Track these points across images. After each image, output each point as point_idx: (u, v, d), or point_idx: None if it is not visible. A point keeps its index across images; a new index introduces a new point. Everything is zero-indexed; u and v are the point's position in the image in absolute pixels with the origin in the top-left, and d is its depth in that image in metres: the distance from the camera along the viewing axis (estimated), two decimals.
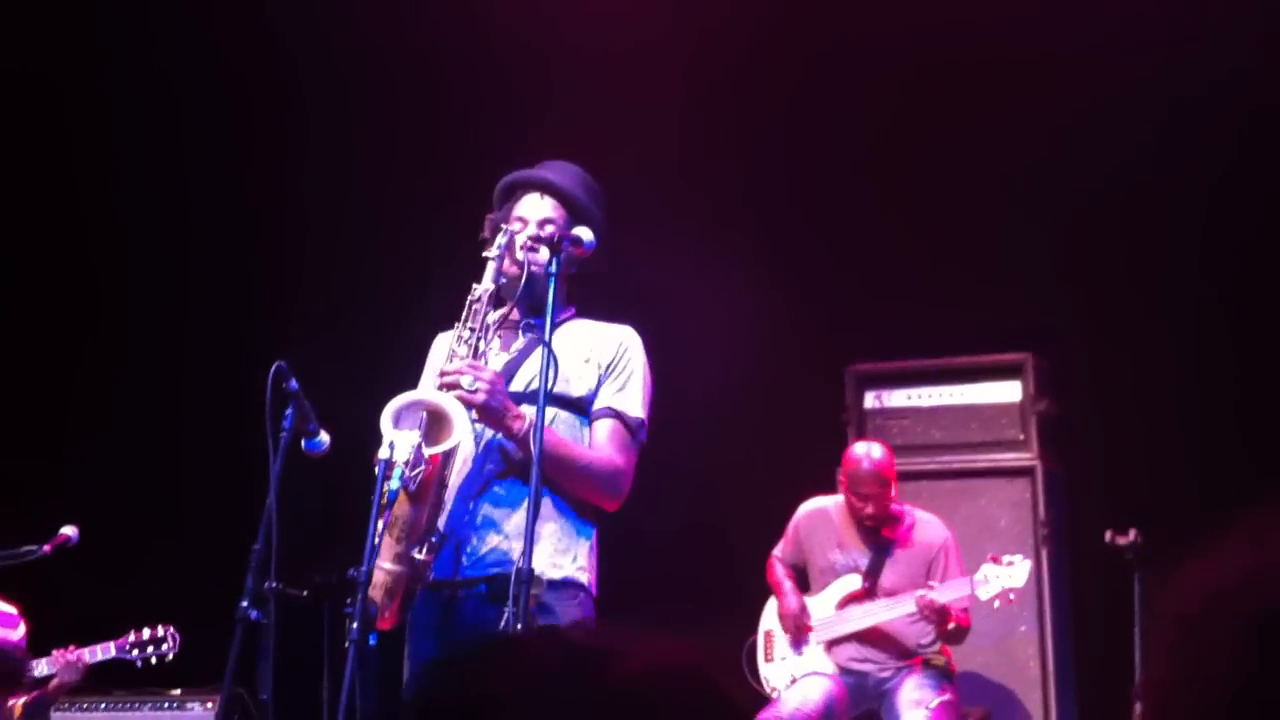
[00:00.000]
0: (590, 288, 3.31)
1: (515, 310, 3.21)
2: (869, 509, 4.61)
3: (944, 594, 4.46)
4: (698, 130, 5.62)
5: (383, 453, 2.89)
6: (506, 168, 3.35)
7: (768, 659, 4.80)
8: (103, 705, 5.02)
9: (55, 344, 6.09)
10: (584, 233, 3.15)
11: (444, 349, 3.23)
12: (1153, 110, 5.11)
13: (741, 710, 0.96)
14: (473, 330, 3.10)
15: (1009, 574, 4.47)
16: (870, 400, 5.38)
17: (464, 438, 2.98)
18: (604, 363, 3.20)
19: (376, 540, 2.89)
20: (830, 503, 4.86)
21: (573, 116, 5.21)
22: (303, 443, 3.22)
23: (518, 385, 3.13)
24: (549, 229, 3.16)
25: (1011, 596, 4.50)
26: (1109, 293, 5.30)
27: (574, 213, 3.23)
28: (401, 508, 2.93)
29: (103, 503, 5.40)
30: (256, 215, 5.87)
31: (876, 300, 5.52)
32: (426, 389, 3.10)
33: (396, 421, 2.93)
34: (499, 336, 3.21)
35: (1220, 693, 0.97)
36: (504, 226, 3.18)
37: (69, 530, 4.61)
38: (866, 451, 4.69)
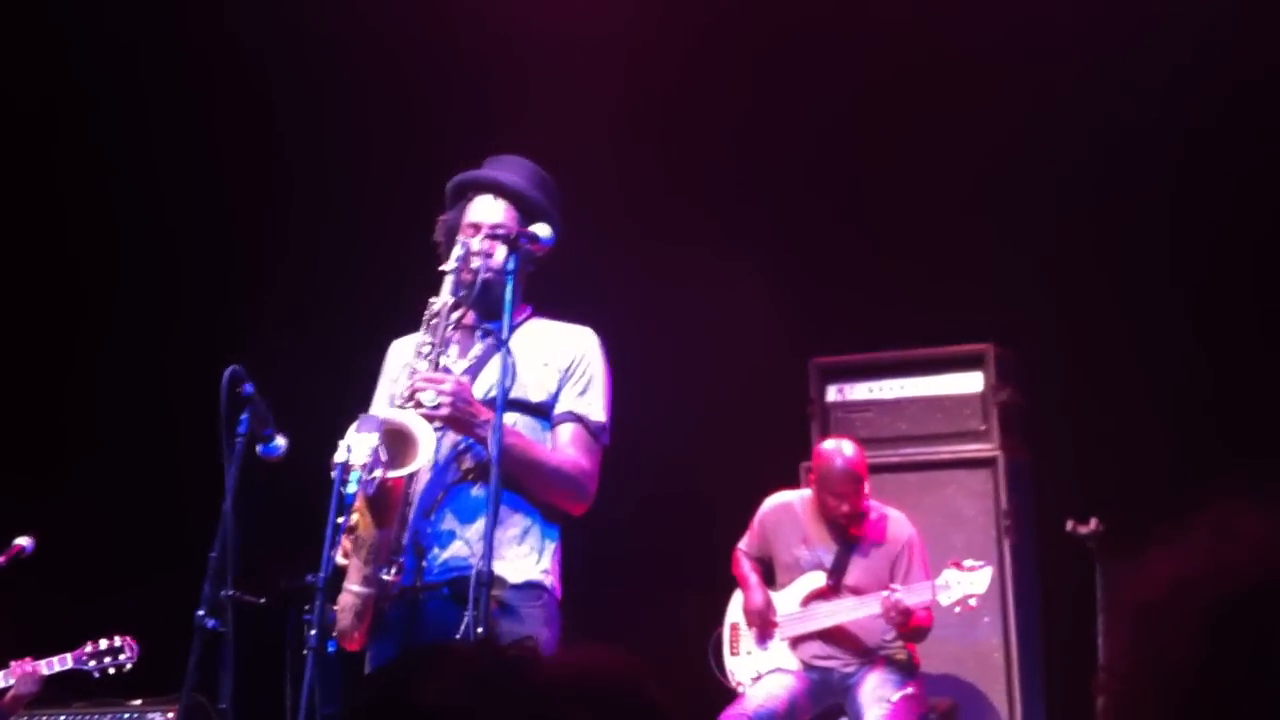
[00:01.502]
0: (551, 285, 3.29)
1: (470, 315, 3.19)
2: (844, 507, 4.58)
3: (908, 596, 4.45)
4: (656, 128, 5.60)
5: (339, 456, 2.86)
6: (464, 167, 3.32)
7: (733, 653, 4.79)
8: (61, 717, 4.96)
9: (8, 353, 6.01)
10: (541, 229, 3.13)
11: (400, 356, 3.20)
12: (1114, 98, 5.13)
13: (668, 714, 0.98)
14: (432, 345, 3.08)
15: (970, 580, 4.46)
16: (832, 393, 5.37)
17: (426, 461, 2.96)
18: (563, 367, 3.18)
19: (334, 546, 2.86)
20: (796, 497, 4.85)
21: (524, 122, 5.18)
22: (258, 448, 3.19)
23: (477, 393, 3.11)
24: (501, 234, 3.14)
25: (972, 603, 4.49)
26: (1070, 282, 5.32)
27: (527, 212, 3.20)
28: (368, 529, 2.91)
29: (59, 513, 5.33)
30: (229, 220, 5.81)
31: (838, 293, 5.52)
32: (391, 410, 3.06)
33: (356, 429, 2.91)
34: (456, 343, 3.19)
35: (1182, 680, 0.97)
36: (459, 239, 3.15)
37: (24, 540, 4.55)
38: (837, 448, 4.65)
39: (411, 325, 3.19)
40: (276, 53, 5.63)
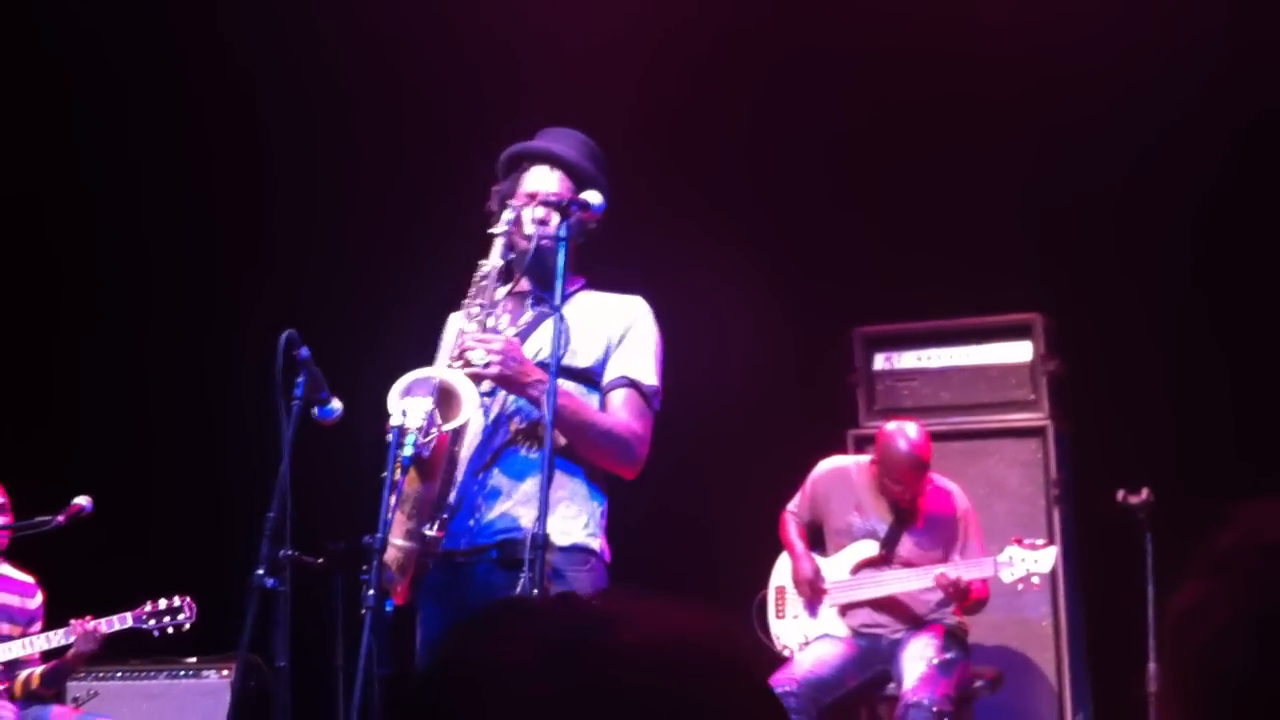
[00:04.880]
0: (595, 261, 3.31)
1: (524, 282, 3.22)
2: (905, 493, 4.56)
3: (965, 572, 4.43)
4: (696, 98, 5.58)
5: (395, 420, 2.90)
6: (510, 142, 3.34)
7: (779, 616, 4.79)
8: (119, 674, 5.05)
9: (65, 312, 6.10)
10: (592, 196, 3.15)
11: (456, 329, 3.23)
12: (1163, 70, 5.07)
13: (757, 679, 0.94)
14: (481, 306, 3.12)
15: (1034, 559, 4.43)
16: (879, 362, 5.36)
17: (473, 414, 2.99)
18: (614, 335, 3.20)
19: (391, 508, 2.90)
20: (851, 463, 4.82)
21: (571, 88, 5.19)
22: (314, 410, 3.23)
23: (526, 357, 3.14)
24: (553, 201, 3.16)
25: (1035, 580, 4.46)
26: (1118, 251, 5.28)
27: (580, 183, 3.23)
28: (412, 484, 2.94)
29: (116, 471, 5.43)
30: (268, 196, 5.86)
31: (885, 261, 5.50)
32: (436, 367, 3.10)
33: (406, 394, 2.94)
34: (508, 311, 3.22)
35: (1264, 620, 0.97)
36: (510, 203, 3.18)
37: (83, 500, 4.62)
38: (900, 431, 4.57)
39: (458, 290, 3.22)
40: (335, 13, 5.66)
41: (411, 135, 5.79)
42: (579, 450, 3.11)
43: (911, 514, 4.63)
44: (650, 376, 3.19)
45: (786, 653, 4.71)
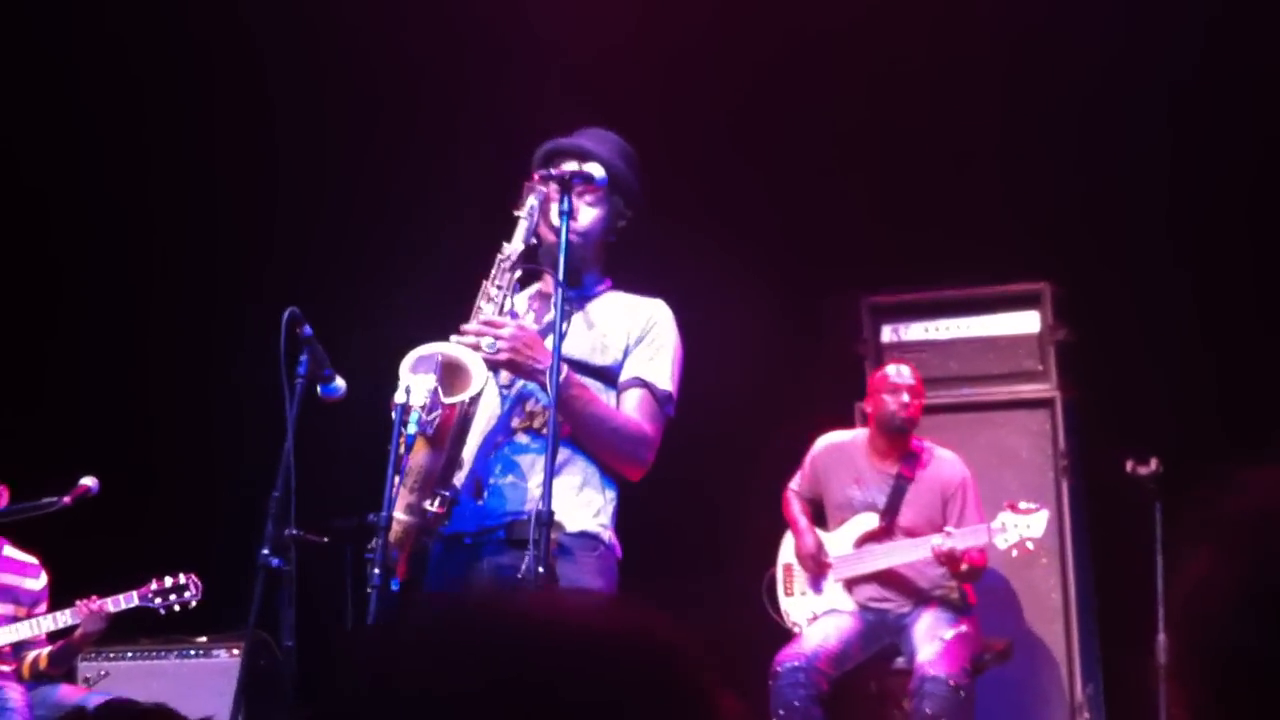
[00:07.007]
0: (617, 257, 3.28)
1: (549, 282, 3.18)
2: (905, 411, 4.62)
3: (960, 541, 4.43)
4: (689, 73, 5.53)
5: (399, 397, 2.88)
6: (525, 129, 3.31)
7: (788, 593, 4.81)
8: (129, 654, 5.06)
9: (70, 290, 6.08)
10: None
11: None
12: (1173, 36, 5.02)
13: (682, 670, 0.88)
14: (500, 289, 3.08)
15: (1027, 523, 4.43)
16: (887, 334, 5.34)
17: (480, 388, 2.97)
18: (634, 335, 3.19)
19: (395, 486, 2.88)
20: (849, 438, 4.83)
21: (594, 80, 5.14)
22: (318, 388, 3.22)
23: None
24: (554, 174, 3.12)
25: (1030, 545, 4.47)
26: (1126, 219, 5.23)
27: (612, 182, 3.19)
28: (416, 457, 2.92)
29: (121, 450, 5.42)
30: (275, 172, 5.82)
31: (892, 231, 5.46)
32: (441, 343, 3.07)
33: (414, 369, 2.92)
34: (533, 309, 3.21)
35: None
36: (536, 189, 3.14)
37: (89, 481, 4.62)
38: (897, 368, 4.76)
39: (463, 265, 3.19)
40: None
41: (410, 116, 5.73)
42: (587, 444, 3.09)
43: (910, 482, 4.65)
44: (665, 381, 3.17)
45: (796, 629, 4.71)
